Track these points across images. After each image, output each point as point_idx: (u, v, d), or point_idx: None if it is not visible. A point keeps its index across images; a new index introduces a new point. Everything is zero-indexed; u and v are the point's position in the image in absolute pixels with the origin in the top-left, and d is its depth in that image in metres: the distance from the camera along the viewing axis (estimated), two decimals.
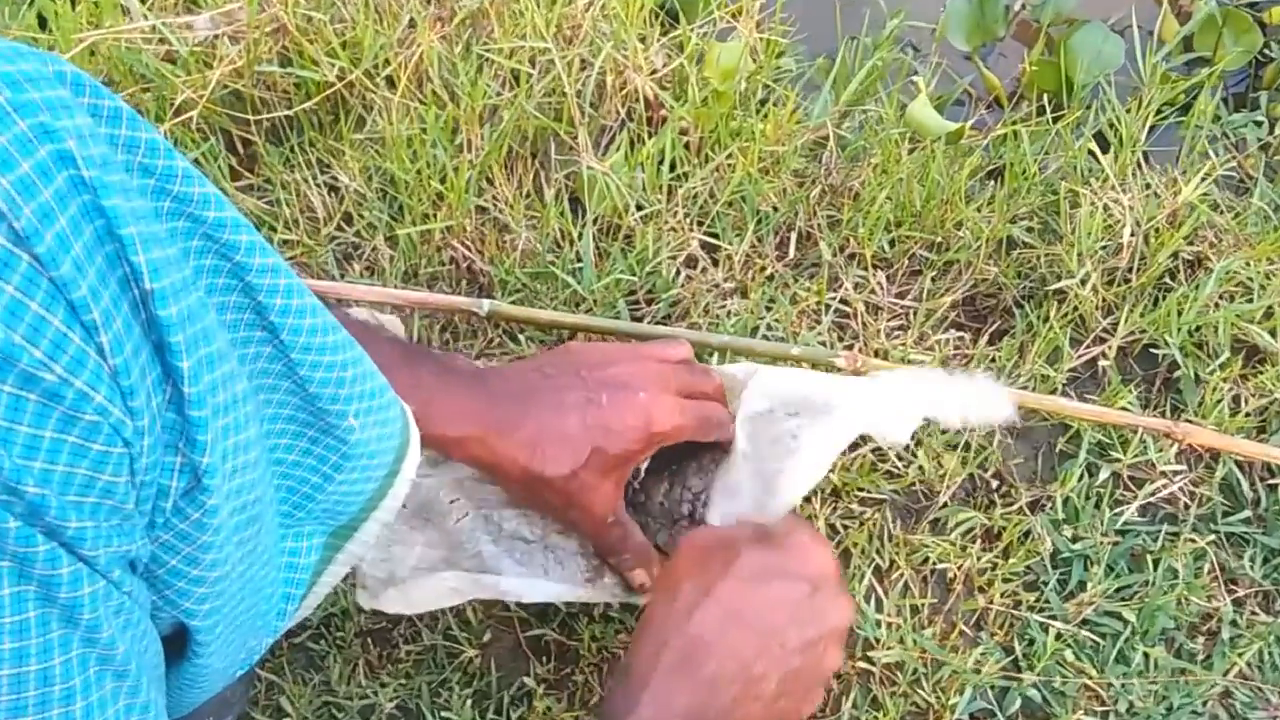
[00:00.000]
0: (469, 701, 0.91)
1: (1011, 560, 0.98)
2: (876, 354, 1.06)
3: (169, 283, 0.42)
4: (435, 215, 1.11)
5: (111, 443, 0.41)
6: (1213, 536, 1.01)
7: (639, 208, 1.12)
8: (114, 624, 0.43)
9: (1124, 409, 1.02)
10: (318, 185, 1.13)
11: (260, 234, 0.50)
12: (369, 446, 0.57)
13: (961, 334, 1.09)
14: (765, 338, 1.06)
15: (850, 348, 1.06)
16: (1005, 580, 0.97)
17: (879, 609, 0.95)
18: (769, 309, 1.08)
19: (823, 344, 1.06)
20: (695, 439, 0.83)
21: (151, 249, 0.41)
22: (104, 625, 0.42)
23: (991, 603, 0.97)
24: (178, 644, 0.52)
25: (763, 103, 1.19)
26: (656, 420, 0.79)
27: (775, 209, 1.14)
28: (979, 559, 0.98)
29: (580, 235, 1.09)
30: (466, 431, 0.75)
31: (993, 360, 1.06)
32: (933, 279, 1.11)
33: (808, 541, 0.77)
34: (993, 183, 1.18)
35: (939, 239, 1.13)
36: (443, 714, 0.91)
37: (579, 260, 1.09)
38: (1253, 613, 0.98)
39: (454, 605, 0.86)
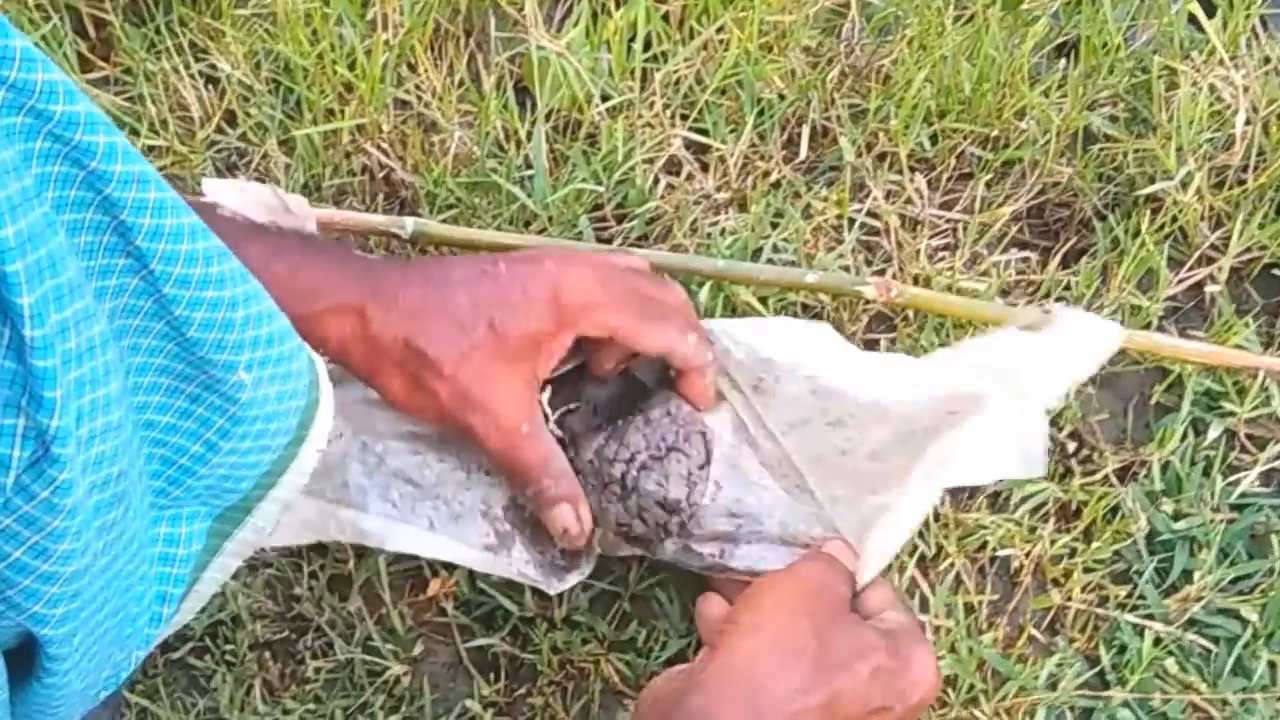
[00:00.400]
0: None
1: (1095, 545, 0.92)
2: (915, 280, 0.99)
3: (4, 195, 0.41)
4: (343, 112, 1.04)
5: None
6: None
7: (604, 98, 1.05)
8: None
9: (1239, 347, 0.96)
10: (191, 76, 1.07)
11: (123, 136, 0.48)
12: (265, 407, 0.56)
13: (1026, 254, 1.02)
14: (771, 261, 0.98)
15: (881, 273, 0.99)
16: (1087, 570, 0.92)
17: (924, 608, 0.88)
18: (775, 225, 1.00)
19: (845, 269, 0.99)
20: (633, 342, 0.80)
21: None
22: None
23: (1070, 599, 0.91)
24: (23, 659, 0.51)
25: None
26: (566, 291, 0.78)
27: (781, 97, 1.06)
28: (1053, 543, 0.92)
29: (529, 134, 1.02)
30: (337, 300, 0.75)
31: (1067, 287, 1.00)
32: (988, 184, 1.04)
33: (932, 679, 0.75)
34: (1064, 61, 1.10)
35: (995, 132, 1.06)
36: None
37: (528, 167, 1.02)
38: None
39: (307, 543, 0.85)
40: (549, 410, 0.83)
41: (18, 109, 0.44)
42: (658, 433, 0.83)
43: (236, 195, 0.86)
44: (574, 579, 0.85)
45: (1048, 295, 0.99)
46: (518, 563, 0.84)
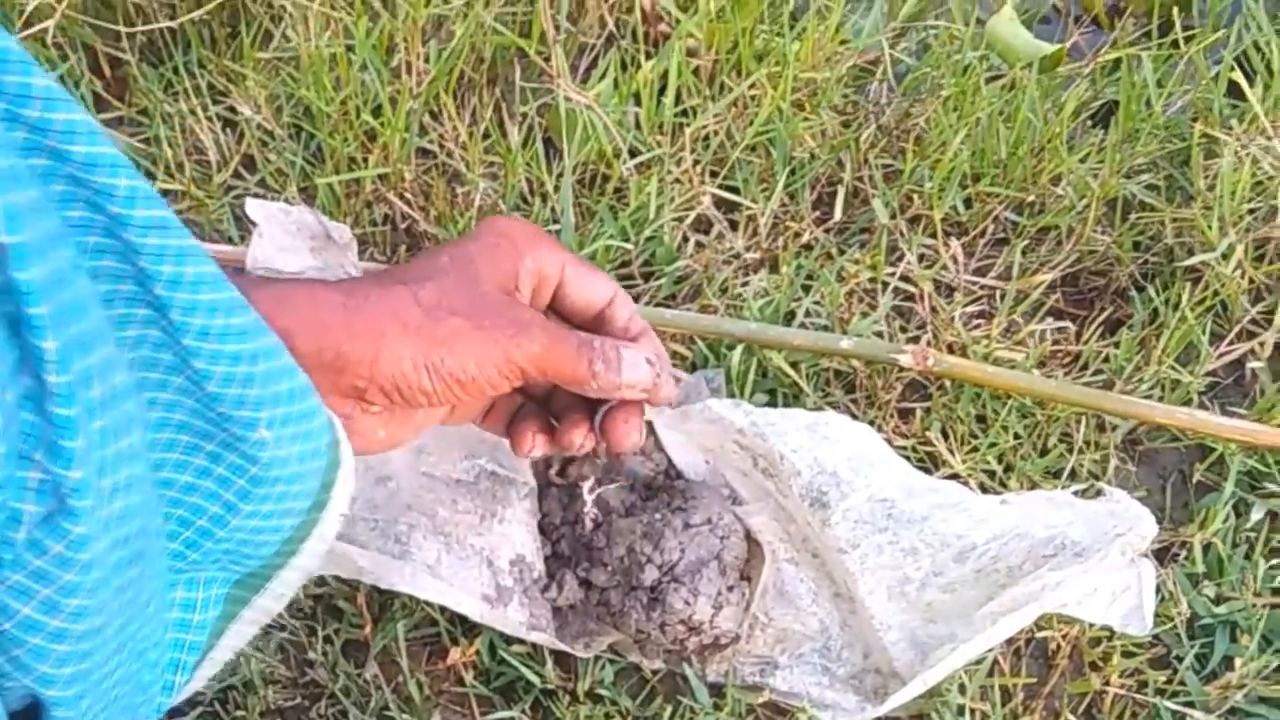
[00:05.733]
0: None
1: None
2: (950, 349, 0.96)
3: (31, 237, 0.39)
4: (365, 160, 1.01)
5: None
6: None
7: (633, 153, 1.02)
8: None
9: None
10: (209, 119, 1.05)
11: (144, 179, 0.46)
12: (286, 467, 0.54)
13: (1062, 323, 0.99)
14: (804, 325, 0.96)
15: (915, 339, 0.97)
16: (1126, 655, 0.88)
17: (960, 691, 0.85)
18: (806, 288, 0.98)
19: (879, 335, 0.96)
20: (581, 282, 0.74)
21: (8, 190, 0.38)
22: None
23: (1108, 684, 0.88)
24: None
25: (796, 15, 1.10)
26: (510, 232, 0.71)
27: (813, 156, 1.04)
28: (1090, 626, 0.88)
29: (557, 186, 0.99)
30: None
31: (1105, 359, 0.96)
32: (1024, 250, 1.01)
33: None
34: (1101, 129, 1.08)
35: (1031, 198, 1.04)
36: None
37: (554, 220, 0.99)
38: None
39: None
40: (588, 495, 0.81)
41: (37, 150, 0.43)
42: (696, 542, 0.81)
43: (280, 218, 0.84)
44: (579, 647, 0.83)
45: (1085, 367, 0.97)
46: (514, 621, 0.81)
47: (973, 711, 0.85)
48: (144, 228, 0.45)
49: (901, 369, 0.91)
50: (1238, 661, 0.88)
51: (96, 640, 0.47)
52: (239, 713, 0.85)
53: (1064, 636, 0.88)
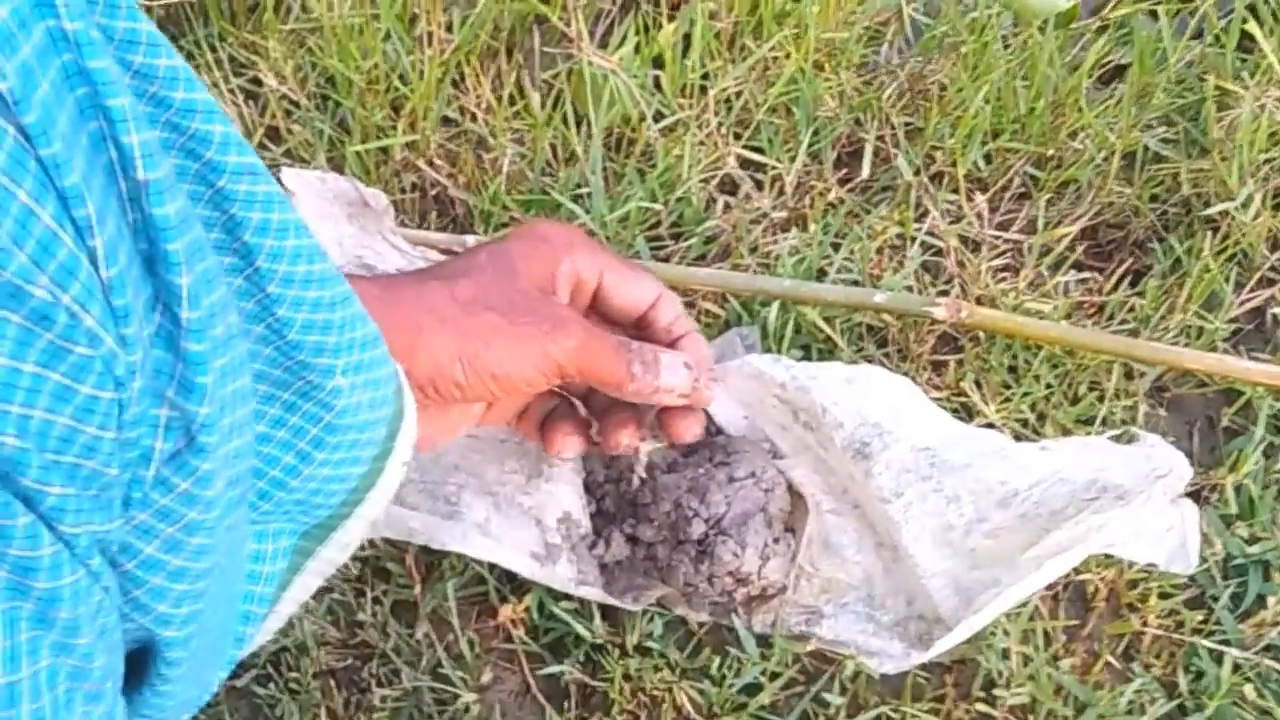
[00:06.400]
0: None
1: None
2: (979, 301, 0.97)
3: (164, 174, 0.39)
4: (393, 128, 1.01)
5: (103, 384, 0.38)
6: None
7: (657, 117, 1.02)
8: (91, 629, 0.40)
9: None
10: (232, 91, 1.05)
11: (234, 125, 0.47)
12: (358, 415, 0.54)
13: (1085, 275, 1.01)
14: (835, 282, 0.96)
15: (945, 294, 0.97)
16: (1162, 596, 0.90)
17: (1002, 633, 0.86)
18: (835, 246, 0.98)
19: (909, 289, 0.97)
20: (624, 286, 0.76)
21: (144, 129, 0.39)
22: (83, 629, 0.40)
23: (1146, 625, 0.89)
24: (131, 671, 0.48)
25: None
26: (549, 235, 0.74)
27: (835, 116, 1.05)
28: (1127, 568, 0.90)
29: (586, 151, 1.00)
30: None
31: (1130, 309, 0.98)
32: (1046, 204, 1.02)
33: None
34: (1117, 82, 1.09)
35: (1050, 152, 1.05)
36: None
37: (581, 185, 1.00)
38: None
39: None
40: (641, 455, 0.82)
41: (142, 95, 0.42)
42: (741, 495, 0.82)
43: (316, 186, 0.85)
44: (629, 600, 0.84)
45: (1111, 317, 0.98)
46: (563, 578, 0.82)
47: (1015, 655, 0.87)
48: (236, 174, 0.45)
49: (934, 322, 0.92)
50: (1271, 600, 0.89)
51: (210, 580, 0.47)
52: (292, 674, 0.86)
53: (1102, 580, 0.89)
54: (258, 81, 1.05)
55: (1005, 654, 0.86)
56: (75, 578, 0.39)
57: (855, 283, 0.97)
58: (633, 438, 0.77)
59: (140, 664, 0.49)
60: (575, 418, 0.78)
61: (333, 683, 0.86)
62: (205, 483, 0.44)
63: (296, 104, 1.04)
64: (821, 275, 0.97)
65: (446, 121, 1.04)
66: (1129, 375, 0.96)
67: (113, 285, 0.38)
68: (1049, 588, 0.89)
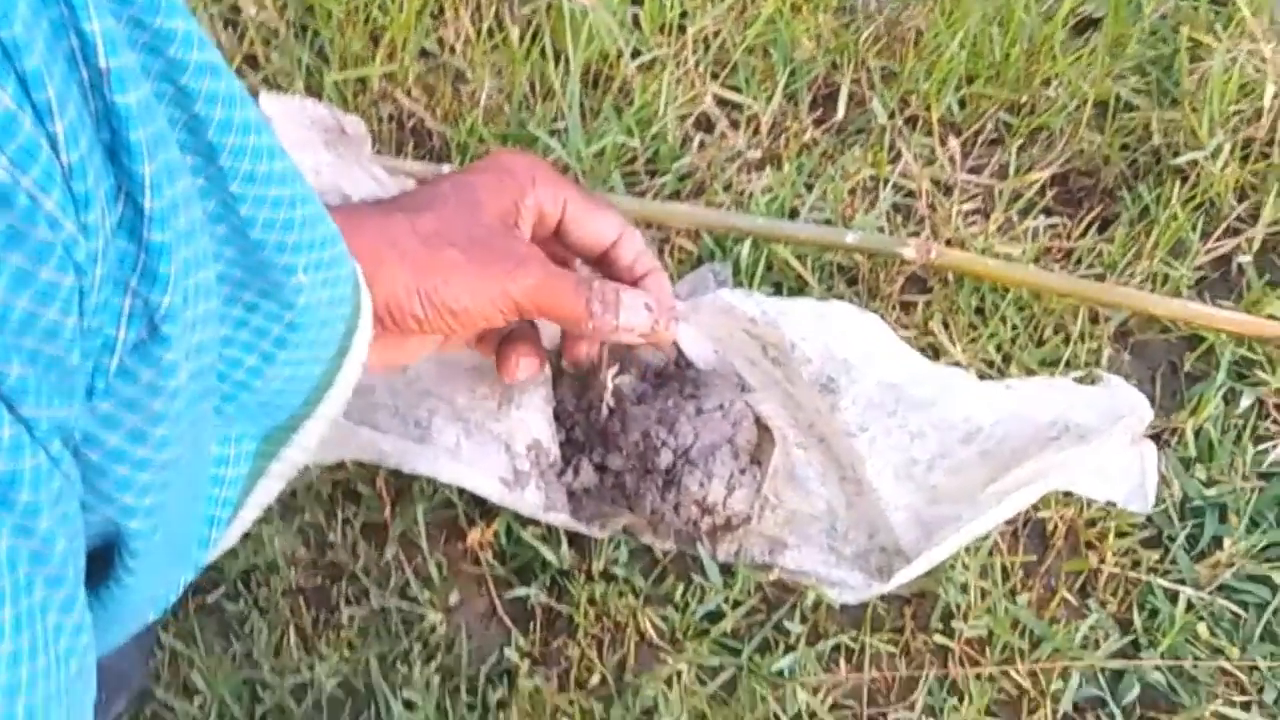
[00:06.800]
0: (433, 679, 0.84)
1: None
2: (949, 244, 0.98)
3: (126, 63, 0.39)
4: (372, 59, 1.01)
5: (63, 269, 0.37)
6: None
7: (635, 54, 1.03)
8: (52, 514, 0.40)
9: (1273, 317, 0.95)
10: (211, 17, 1.04)
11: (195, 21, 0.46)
12: (319, 313, 0.54)
13: (1054, 220, 1.01)
14: (809, 221, 0.97)
15: (916, 235, 0.98)
16: (1119, 535, 0.91)
17: (961, 567, 0.87)
18: (809, 186, 0.99)
19: (880, 230, 0.98)
20: (586, 220, 0.76)
21: (105, 17, 0.38)
22: (43, 512, 0.39)
23: (1103, 562, 0.90)
24: (95, 566, 0.48)
25: None
26: (512, 165, 0.73)
27: (813, 58, 1.05)
28: (1086, 506, 0.91)
29: (563, 86, 1.00)
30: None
31: (1098, 255, 0.99)
32: (1018, 149, 1.03)
33: None
34: (1092, 31, 1.10)
35: (1023, 99, 1.05)
36: (401, 694, 0.84)
37: (558, 119, 1.00)
38: None
39: (328, 461, 0.84)
40: (609, 380, 0.83)
41: None
42: (709, 426, 0.82)
43: (295, 111, 0.84)
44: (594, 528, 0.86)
45: (1079, 262, 0.99)
46: (530, 503, 0.83)
47: (973, 589, 0.88)
48: (198, 72, 0.44)
49: (904, 262, 0.93)
50: (1227, 541, 0.90)
51: (173, 472, 0.47)
52: (262, 590, 0.86)
53: (1061, 517, 0.90)
54: (236, 9, 1.05)
55: (964, 587, 0.87)
56: (35, 461, 0.39)
57: (827, 222, 0.98)
58: (592, 349, 0.77)
59: (106, 561, 0.49)
60: (532, 339, 0.79)
61: (302, 601, 0.87)
62: (169, 373, 0.44)
63: (275, 32, 1.04)
64: (794, 214, 0.98)
65: (425, 53, 1.04)
66: (1094, 320, 0.97)
67: (73, 170, 0.37)
68: (1009, 523, 0.90)
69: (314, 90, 1.02)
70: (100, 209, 0.39)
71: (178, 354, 0.44)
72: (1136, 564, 0.91)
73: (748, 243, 0.94)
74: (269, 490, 0.60)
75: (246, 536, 0.86)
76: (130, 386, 0.43)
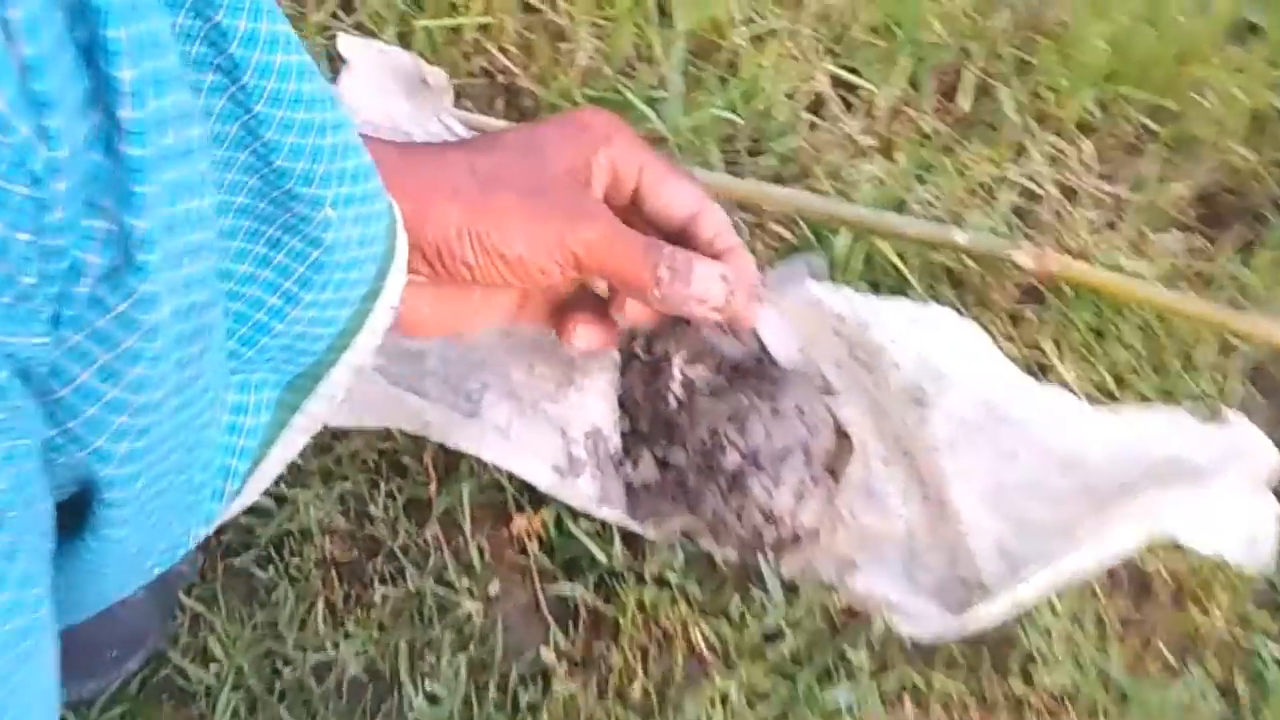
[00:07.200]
0: (462, 670, 0.79)
1: None
2: (1070, 253, 0.90)
3: None
4: (468, 7, 0.96)
5: (13, 177, 0.34)
6: None
7: (748, 23, 0.97)
8: None
9: None
10: None
11: None
12: (347, 252, 0.50)
13: (1191, 239, 0.93)
14: (918, 216, 0.90)
15: (1034, 241, 0.91)
16: (1230, 589, 0.83)
17: (1050, 610, 0.80)
18: (921, 180, 0.92)
19: (994, 231, 0.90)
20: (661, 188, 0.70)
21: None
22: None
23: (1208, 618, 0.83)
24: (74, 518, 0.46)
25: None
26: (590, 121, 0.69)
27: (941, 42, 0.98)
28: (1197, 561, 0.83)
29: (667, 52, 0.94)
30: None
31: (1238, 282, 0.91)
32: (1158, 159, 0.95)
33: None
34: (1252, 39, 1.01)
35: (1170, 105, 0.97)
36: (426, 685, 0.79)
37: (659, 87, 0.94)
38: None
39: (370, 426, 0.81)
40: (681, 369, 0.77)
41: None
42: (783, 428, 0.76)
43: (375, 56, 0.81)
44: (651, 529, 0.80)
45: (1215, 287, 0.91)
46: (583, 495, 0.78)
47: (1059, 635, 0.81)
48: None
49: (1018, 269, 0.86)
50: None
51: (155, 416, 0.44)
52: (294, 559, 0.82)
53: (1166, 568, 0.83)
54: None
55: (1049, 633, 0.80)
56: None
57: (937, 219, 0.90)
58: (650, 316, 0.72)
59: (78, 515, 0.46)
60: (598, 309, 0.73)
61: (334, 574, 0.82)
62: (145, 307, 0.40)
63: None
64: (901, 208, 0.91)
65: (526, 7, 0.99)
66: (1225, 351, 0.89)
67: (31, 66, 0.34)
68: (1107, 569, 0.83)
69: (406, 38, 0.97)
70: (67, 113, 0.35)
71: (156, 285, 0.40)
72: (1246, 623, 0.83)
73: (847, 235, 0.87)
74: (292, 444, 0.57)
75: (282, 500, 0.83)
76: (101, 318, 0.39)
